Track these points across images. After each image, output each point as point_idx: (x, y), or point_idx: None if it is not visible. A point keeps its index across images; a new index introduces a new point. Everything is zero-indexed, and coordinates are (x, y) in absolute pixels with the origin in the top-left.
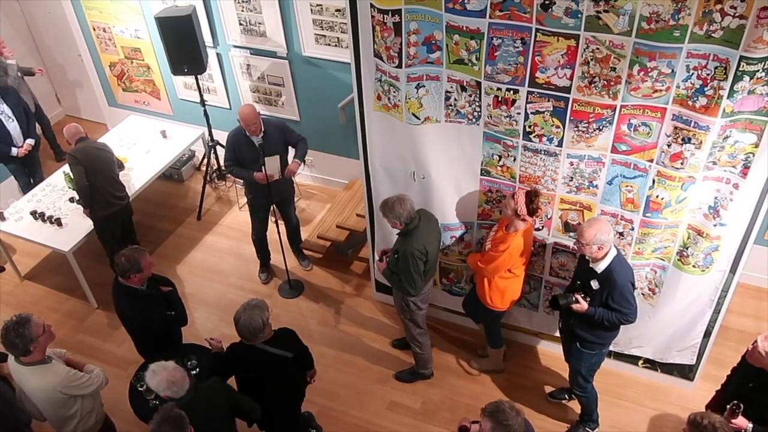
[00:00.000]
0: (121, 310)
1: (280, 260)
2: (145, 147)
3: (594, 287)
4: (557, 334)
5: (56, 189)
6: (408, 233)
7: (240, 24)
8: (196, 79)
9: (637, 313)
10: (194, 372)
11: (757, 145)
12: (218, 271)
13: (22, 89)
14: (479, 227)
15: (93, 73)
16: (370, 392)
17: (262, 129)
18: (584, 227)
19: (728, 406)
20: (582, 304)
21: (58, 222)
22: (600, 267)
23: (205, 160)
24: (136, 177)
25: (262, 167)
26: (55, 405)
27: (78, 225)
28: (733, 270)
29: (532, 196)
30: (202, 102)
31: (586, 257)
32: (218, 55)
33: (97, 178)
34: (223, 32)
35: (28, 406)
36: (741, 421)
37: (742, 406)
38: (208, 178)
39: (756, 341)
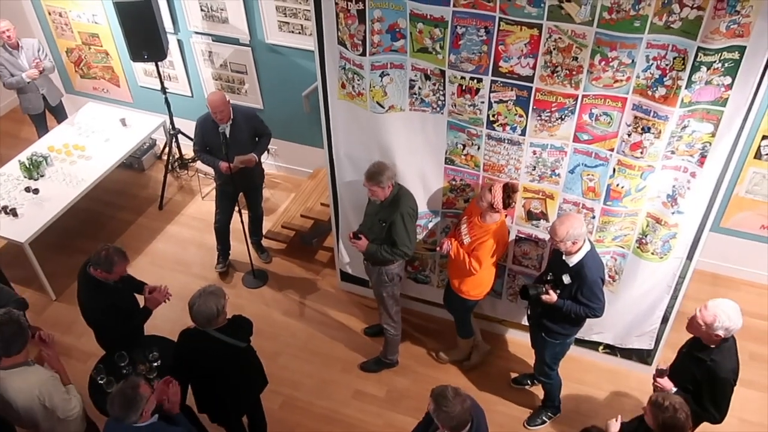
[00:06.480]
0: (82, 298)
1: (242, 252)
2: (104, 135)
3: (565, 282)
4: (522, 321)
5: (11, 178)
6: (396, 198)
7: (201, 10)
8: (157, 66)
9: (604, 309)
10: (156, 364)
11: (713, 135)
12: (181, 262)
13: None
14: (444, 216)
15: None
16: (334, 381)
17: (231, 117)
18: (556, 225)
19: (656, 369)
20: (551, 296)
21: (14, 212)
22: (572, 261)
23: (167, 149)
24: (95, 166)
25: (226, 157)
26: (33, 412)
27: (34, 215)
28: (690, 257)
29: (509, 191)
30: (163, 89)
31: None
32: (179, 41)
33: None
34: (184, 18)
35: (11, 414)
36: (666, 382)
37: (666, 368)
38: (169, 167)
39: (695, 312)
